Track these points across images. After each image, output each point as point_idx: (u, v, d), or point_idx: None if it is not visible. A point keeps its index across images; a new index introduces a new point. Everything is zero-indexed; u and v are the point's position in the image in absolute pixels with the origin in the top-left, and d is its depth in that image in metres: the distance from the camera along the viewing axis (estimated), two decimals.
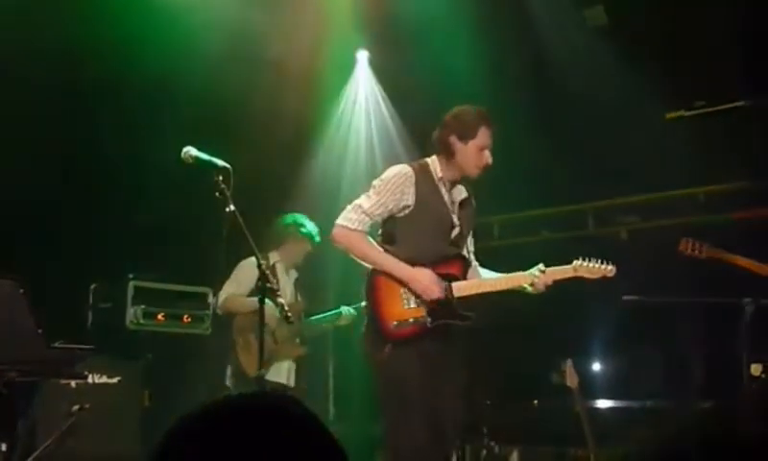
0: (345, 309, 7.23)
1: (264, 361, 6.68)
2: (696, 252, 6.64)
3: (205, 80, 7.72)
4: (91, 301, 7.67)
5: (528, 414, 8.37)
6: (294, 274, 7.36)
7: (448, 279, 5.29)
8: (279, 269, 7.19)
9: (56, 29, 7.21)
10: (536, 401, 8.42)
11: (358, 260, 5.37)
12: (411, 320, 5.19)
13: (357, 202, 5.31)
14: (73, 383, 6.39)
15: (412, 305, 5.21)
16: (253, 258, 6.94)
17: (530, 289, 5.35)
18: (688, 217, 8.56)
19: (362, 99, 9.52)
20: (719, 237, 6.82)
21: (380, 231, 5.37)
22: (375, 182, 5.34)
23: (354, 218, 5.26)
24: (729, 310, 6.57)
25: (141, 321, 7.57)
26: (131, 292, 7.58)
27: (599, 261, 5.41)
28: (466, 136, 5.34)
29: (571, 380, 6.34)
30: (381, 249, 5.29)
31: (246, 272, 6.95)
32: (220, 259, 7.72)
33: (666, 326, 8.51)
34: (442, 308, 5.22)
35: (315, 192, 8.86)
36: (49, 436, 6.12)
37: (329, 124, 9.40)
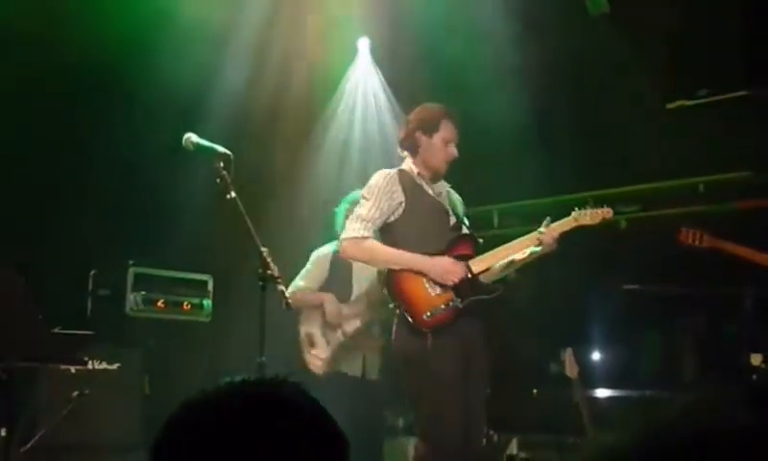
0: None
1: (331, 357, 6.79)
2: (696, 241, 6.65)
3: (205, 66, 7.71)
4: (91, 287, 7.65)
5: (528, 403, 8.37)
6: None
7: (463, 258, 5.38)
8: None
9: (54, 11, 7.20)
10: (535, 390, 8.42)
11: (373, 264, 5.46)
12: (442, 306, 5.28)
13: (354, 214, 5.47)
14: (73, 369, 6.37)
15: (438, 292, 5.28)
16: (326, 248, 7.02)
17: (539, 249, 5.41)
18: (688, 207, 8.55)
19: (363, 88, 9.49)
20: (719, 227, 6.82)
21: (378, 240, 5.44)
22: (364, 192, 5.49)
23: (358, 227, 5.37)
24: (728, 300, 6.57)
25: (141, 307, 7.56)
26: (130, 279, 7.56)
27: (595, 205, 5.53)
28: (430, 130, 5.50)
29: (571, 370, 6.36)
30: (389, 247, 5.36)
31: (317, 264, 6.98)
32: (220, 246, 7.77)
33: (666, 315, 8.52)
34: (467, 287, 5.29)
35: (317, 182, 8.85)
36: (49, 422, 6.13)
37: (332, 113, 9.37)
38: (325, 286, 6.94)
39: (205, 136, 5.05)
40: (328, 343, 6.82)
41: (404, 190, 5.40)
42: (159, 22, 7.45)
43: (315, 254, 7.06)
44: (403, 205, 5.39)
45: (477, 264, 5.38)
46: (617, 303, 8.24)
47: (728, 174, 8.50)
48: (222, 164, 4.89)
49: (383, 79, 9.38)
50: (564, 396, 6.70)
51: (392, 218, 5.40)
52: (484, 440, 5.67)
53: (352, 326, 6.80)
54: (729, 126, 8.03)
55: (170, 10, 7.48)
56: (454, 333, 5.25)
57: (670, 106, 8.45)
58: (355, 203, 6.28)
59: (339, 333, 6.78)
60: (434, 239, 5.39)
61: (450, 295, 5.28)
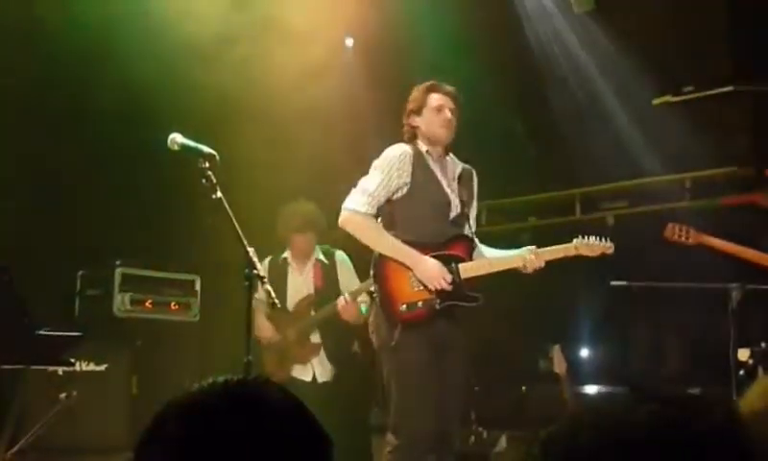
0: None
1: (279, 366, 6.91)
2: (683, 237, 6.67)
3: (191, 68, 7.68)
4: (78, 288, 7.64)
5: (516, 399, 8.38)
6: (314, 261, 7.16)
7: (455, 260, 5.35)
8: (289, 267, 7.14)
9: (35, 12, 7.18)
10: (524, 387, 8.44)
11: (366, 243, 5.44)
12: (420, 303, 5.27)
13: (362, 184, 5.40)
14: (60, 371, 6.36)
15: (421, 288, 5.27)
16: (267, 259, 7.06)
17: (525, 271, 5.40)
18: (675, 203, 8.59)
19: (349, 86, 9.47)
20: (705, 223, 6.85)
21: (379, 218, 5.42)
22: (376, 163, 5.43)
23: (363, 201, 5.34)
24: (715, 296, 6.59)
25: (129, 308, 7.54)
26: (118, 279, 7.55)
27: (598, 238, 5.49)
28: (418, 109, 5.55)
29: (559, 366, 6.37)
30: (386, 233, 5.35)
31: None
32: (207, 246, 7.76)
33: (653, 311, 8.55)
34: (449, 291, 5.27)
35: (305, 180, 8.85)
36: (36, 424, 6.11)
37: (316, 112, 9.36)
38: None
39: (191, 137, 5.03)
40: (275, 353, 6.97)
41: (413, 172, 5.37)
42: (142, 23, 7.44)
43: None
44: (408, 185, 5.36)
45: (467, 270, 5.36)
46: (605, 300, 8.26)
47: (714, 170, 8.53)
48: (207, 164, 4.87)
49: (367, 77, 9.39)
50: (553, 392, 6.72)
51: (395, 196, 5.38)
52: (459, 441, 5.63)
53: (291, 335, 6.97)
54: (715, 121, 8.07)
55: (148, 12, 7.47)
56: (426, 330, 5.24)
57: (656, 102, 8.48)
58: None
59: (282, 344, 6.96)
60: (430, 230, 5.37)
61: (431, 294, 5.27)
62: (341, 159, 8.08)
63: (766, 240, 6.57)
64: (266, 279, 4.90)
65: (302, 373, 6.98)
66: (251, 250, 4.86)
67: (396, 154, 5.42)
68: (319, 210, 7.10)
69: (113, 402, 7.05)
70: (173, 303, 7.84)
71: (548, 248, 5.45)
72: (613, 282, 6.88)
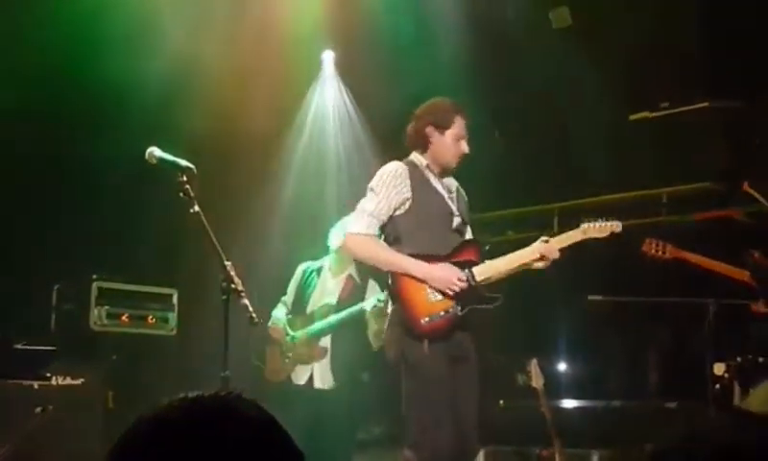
0: (368, 303, 6.90)
1: (282, 365, 7.15)
2: (660, 252, 6.69)
3: (169, 80, 7.68)
4: (54, 302, 7.60)
5: (494, 414, 8.38)
6: (349, 272, 7.23)
7: (468, 265, 5.31)
8: (325, 271, 7.28)
9: (8, 25, 7.15)
10: (501, 401, 8.44)
11: (374, 264, 5.40)
12: (441, 313, 5.22)
13: (361, 207, 5.34)
14: (36, 385, 6.33)
15: (439, 298, 5.23)
16: (305, 264, 7.34)
17: (540, 265, 5.39)
18: (652, 218, 8.62)
19: (328, 100, 9.50)
20: (681, 238, 6.88)
21: (383, 236, 5.37)
22: (372, 184, 5.36)
23: (365, 223, 5.29)
24: (692, 310, 6.62)
25: (105, 322, 7.50)
26: (94, 293, 7.51)
27: (604, 219, 5.48)
28: (442, 125, 5.41)
29: (536, 380, 6.37)
30: (393, 250, 5.30)
31: (294, 278, 7.39)
32: (185, 260, 7.75)
33: (630, 325, 8.58)
34: (468, 294, 5.24)
35: (284, 194, 8.87)
36: (11, 438, 6.07)
37: (296, 127, 9.37)
38: (294, 299, 7.30)
39: (170, 151, 5.02)
40: (281, 354, 7.14)
41: (413, 186, 5.31)
42: (122, 38, 7.42)
43: (298, 268, 7.39)
44: (410, 200, 5.30)
45: (481, 272, 5.32)
46: (582, 314, 8.28)
47: (691, 185, 8.58)
48: (185, 178, 4.86)
49: (347, 91, 9.41)
50: (530, 406, 6.72)
51: (397, 212, 5.32)
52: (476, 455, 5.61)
53: (302, 336, 7.10)
54: (691, 137, 8.12)
55: (130, 25, 7.46)
56: (445, 342, 5.21)
57: (633, 117, 8.53)
58: None
59: (290, 344, 7.10)
60: (437, 241, 5.33)
61: (451, 301, 5.23)
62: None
63: (742, 255, 6.60)
64: (243, 294, 4.88)
65: (301, 375, 7.06)
66: (228, 263, 4.85)
67: (392, 172, 5.35)
68: None
69: (89, 417, 7.00)
70: (150, 317, 7.81)
71: (558, 236, 5.46)
72: (591, 297, 6.90)
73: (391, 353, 5.35)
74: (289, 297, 7.33)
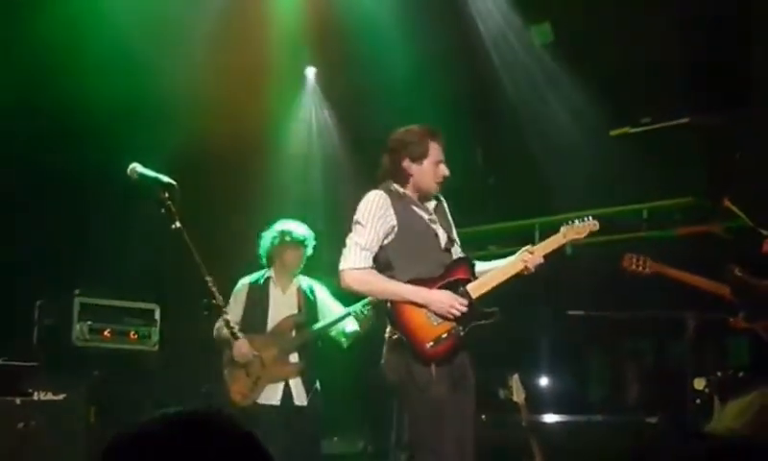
0: (354, 308, 6.73)
1: (251, 387, 6.69)
2: (640, 267, 6.72)
3: (153, 97, 7.70)
4: (37, 317, 7.58)
5: (475, 428, 8.39)
6: (297, 285, 7.08)
7: (461, 283, 5.31)
8: (272, 286, 7.02)
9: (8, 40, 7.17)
10: (483, 416, 8.45)
11: (373, 296, 5.39)
12: (444, 335, 5.20)
13: (351, 242, 5.27)
14: (18, 400, 6.32)
15: (440, 321, 5.21)
16: (243, 281, 7.00)
17: (526, 272, 5.39)
18: (632, 233, 8.66)
19: (310, 116, 9.54)
20: (662, 253, 6.92)
21: (374, 266, 5.32)
22: (358, 217, 5.30)
23: (358, 257, 5.24)
24: (672, 325, 6.65)
25: (87, 337, 7.49)
26: (76, 308, 7.50)
27: (581, 220, 5.53)
28: (419, 157, 5.35)
29: (518, 395, 6.38)
30: (390, 279, 5.27)
31: (235, 298, 6.94)
32: (167, 275, 7.75)
33: (611, 340, 8.61)
34: (468, 314, 5.23)
35: (264, 206, 8.87)
36: None
37: (278, 143, 9.40)
38: (244, 318, 6.85)
39: (152, 166, 5.03)
40: (248, 375, 6.70)
41: (396, 212, 5.28)
42: (107, 52, 7.44)
43: (235, 288, 7.02)
44: (396, 228, 5.27)
45: (475, 289, 5.31)
46: (563, 329, 8.31)
47: (671, 200, 8.62)
48: (167, 194, 4.88)
49: (329, 106, 9.46)
50: (512, 421, 6.74)
51: (386, 241, 5.29)
52: None
53: (270, 354, 6.76)
54: (672, 152, 8.17)
55: (115, 43, 7.48)
56: (452, 362, 5.21)
57: (614, 133, 8.58)
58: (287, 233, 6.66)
59: (258, 364, 6.71)
60: (426, 263, 5.31)
61: (452, 323, 5.21)
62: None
63: (722, 270, 6.64)
64: (225, 310, 4.90)
65: (271, 396, 6.76)
66: (209, 279, 4.87)
67: (374, 201, 5.30)
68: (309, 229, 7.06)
69: (71, 432, 6.99)
70: (132, 333, 7.79)
71: (540, 243, 5.49)
72: (571, 312, 6.92)
73: (393, 378, 5.29)
74: (233, 315, 6.50)
